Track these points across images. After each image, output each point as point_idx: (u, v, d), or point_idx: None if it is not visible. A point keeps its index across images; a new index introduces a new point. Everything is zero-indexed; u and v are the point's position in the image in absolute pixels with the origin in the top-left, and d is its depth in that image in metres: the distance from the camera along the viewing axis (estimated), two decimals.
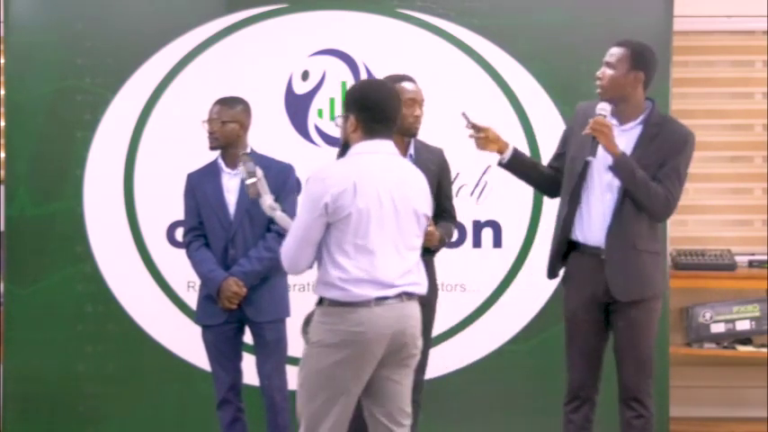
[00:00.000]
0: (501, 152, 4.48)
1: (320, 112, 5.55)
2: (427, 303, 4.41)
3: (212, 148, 4.83)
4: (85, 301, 5.54)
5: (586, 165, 4.29)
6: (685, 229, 6.19)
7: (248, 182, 4.27)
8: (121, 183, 5.54)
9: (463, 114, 4.43)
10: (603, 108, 4.25)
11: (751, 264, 6.01)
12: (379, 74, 5.40)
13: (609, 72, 4.28)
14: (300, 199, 3.94)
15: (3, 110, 5.76)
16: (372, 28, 5.55)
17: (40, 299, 5.54)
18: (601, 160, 4.27)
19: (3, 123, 5.76)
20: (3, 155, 5.79)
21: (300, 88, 5.56)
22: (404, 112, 4.25)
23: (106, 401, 5.55)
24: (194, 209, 4.85)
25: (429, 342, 4.57)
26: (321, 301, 3.79)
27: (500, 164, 4.52)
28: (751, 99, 6.26)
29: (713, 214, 6.23)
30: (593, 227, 4.31)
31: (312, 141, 5.47)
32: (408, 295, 3.80)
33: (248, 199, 4.75)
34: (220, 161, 4.86)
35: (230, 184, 4.82)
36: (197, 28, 5.53)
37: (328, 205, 3.68)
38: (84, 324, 5.54)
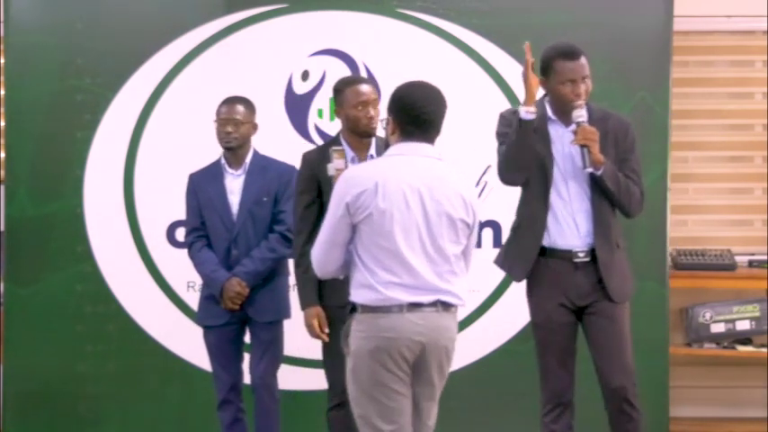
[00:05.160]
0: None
1: (320, 112, 5.55)
2: None
3: (229, 148, 4.81)
4: (85, 301, 5.54)
5: (549, 170, 4.23)
6: (685, 229, 6.18)
7: (331, 173, 4.20)
8: (121, 183, 5.54)
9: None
10: (582, 115, 4.18)
11: (751, 264, 6.00)
12: (379, 74, 5.42)
13: (589, 83, 4.23)
14: None
15: (3, 110, 5.76)
16: (372, 28, 5.55)
17: (40, 299, 5.53)
18: (564, 165, 4.23)
19: (3, 123, 5.76)
20: (3, 155, 5.79)
21: (300, 88, 5.56)
22: (357, 115, 4.40)
23: (106, 401, 5.55)
24: (196, 209, 4.85)
25: None
26: (354, 309, 3.68)
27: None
28: (751, 99, 6.26)
29: (713, 214, 6.22)
30: (562, 231, 4.26)
31: (312, 141, 5.47)
32: (444, 305, 3.68)
33: (251, 199, 4.76)
34: (223, 162, 4.85)
35: (233, 185, 4.82)
36: (197, 28, 5.53)
37: (349, 205, 3.60)
38: (84, 324, 5.54)
